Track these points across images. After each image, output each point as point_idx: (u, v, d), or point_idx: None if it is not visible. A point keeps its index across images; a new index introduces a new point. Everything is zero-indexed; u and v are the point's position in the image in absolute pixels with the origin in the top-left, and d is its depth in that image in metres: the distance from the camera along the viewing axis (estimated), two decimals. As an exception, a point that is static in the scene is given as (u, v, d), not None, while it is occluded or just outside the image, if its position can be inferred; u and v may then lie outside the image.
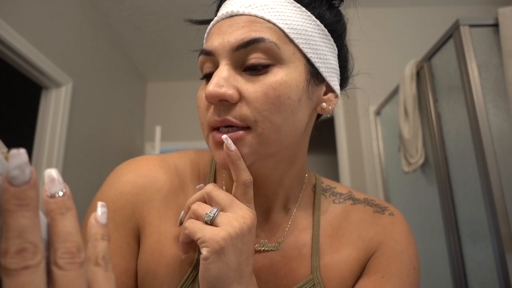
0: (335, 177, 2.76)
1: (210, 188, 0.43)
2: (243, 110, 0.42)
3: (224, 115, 0.42)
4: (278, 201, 0.51)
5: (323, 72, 0.47)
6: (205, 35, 0.50)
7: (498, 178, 1.23)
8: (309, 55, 0.45)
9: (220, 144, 0.43)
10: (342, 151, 2.56)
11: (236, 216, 0.40)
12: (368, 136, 2.39)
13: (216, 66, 0.45)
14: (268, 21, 0.43)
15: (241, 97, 0.42)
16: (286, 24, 0.44)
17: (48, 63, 1.95)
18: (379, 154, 2.32)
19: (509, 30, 1.31)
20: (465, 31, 1.37)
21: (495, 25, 1.37)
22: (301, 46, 0.44)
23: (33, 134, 2.07)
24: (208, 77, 0.46)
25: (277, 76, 0.42)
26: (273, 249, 0.50)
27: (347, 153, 2.54)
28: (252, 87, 0.42)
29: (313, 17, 0.46)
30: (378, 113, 2.35)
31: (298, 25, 0.45)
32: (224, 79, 0.42)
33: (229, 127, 0.43)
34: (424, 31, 2.28)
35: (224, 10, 0.46)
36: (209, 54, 0.45)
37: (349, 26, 0.54)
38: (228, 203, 0.42)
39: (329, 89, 0.49)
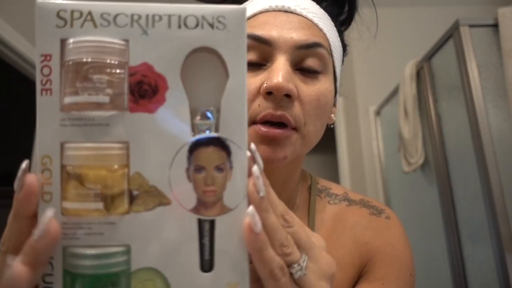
0: (335, 177, 2.75)
1: (283, 206, 0.27)
2: (297, 110, 0.41)
3: (283, 110, 0.40)
4: None
5: (337, 87, 0.50)
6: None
7: (498, 178, 1.23)
8: (336, 69, 0.48)
9: (267, 138, 0.40)
10: (342, 151, 2.55)
11: (324, 271, 0.26)
12: (368, 136, 2.39)
13: (263, 56, 0.42)
14: (321, 30, 0.45)
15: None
16: (331, 37, 0.46)
17: (48, 63, 1.95)
18: (379, 154, 2.32)
19: (509, 30, 1.31)
20: (465, 31, 1.37)
21: (495, 25, 1.37)
22: (335, 62, 0.47)
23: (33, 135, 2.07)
24: (250, 65, 0.42)
25: (325, 84, 0.44)
26: None
27: (347, 153, 2.53)
28: (306, 89, 0.42)
29: (339, 37, 0.50)
30: (378, 113, 2.36)
31: (336, 41, 0.48)
32: (289, 74, 0.41)
33: (276, 125, 0.40)
34: (424, 31, 2.27)
35: (276, 2, 0.44)
36: (264, 42, 0.42)
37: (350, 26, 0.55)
38: (310, 244, 0.27)
39: (335, 101, 0.51)
